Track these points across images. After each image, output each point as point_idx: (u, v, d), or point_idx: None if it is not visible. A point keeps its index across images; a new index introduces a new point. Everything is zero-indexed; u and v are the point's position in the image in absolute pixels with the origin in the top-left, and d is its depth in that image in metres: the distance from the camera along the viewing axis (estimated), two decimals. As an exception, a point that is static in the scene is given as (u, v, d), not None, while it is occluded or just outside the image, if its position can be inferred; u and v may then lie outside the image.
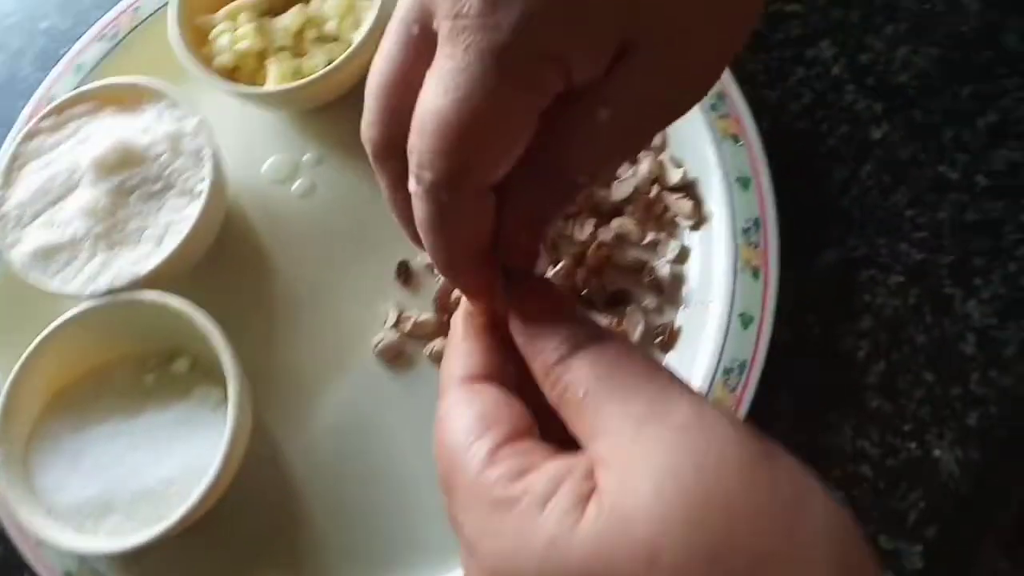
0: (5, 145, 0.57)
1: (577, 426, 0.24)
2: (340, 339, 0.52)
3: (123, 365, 0.51)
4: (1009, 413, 0.46)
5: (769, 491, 0.21)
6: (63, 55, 0.61)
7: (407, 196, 0.26)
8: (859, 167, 0.51)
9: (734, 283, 0.47)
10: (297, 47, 0.55)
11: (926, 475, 0.46)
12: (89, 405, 0.50)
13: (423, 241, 0.27)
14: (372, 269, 0.53)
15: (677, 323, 0.49)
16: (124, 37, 0.58)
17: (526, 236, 0.27)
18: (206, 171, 0.50)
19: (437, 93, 0.24)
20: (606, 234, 0.50)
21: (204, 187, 0.49)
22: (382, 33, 0.53)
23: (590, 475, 0.22)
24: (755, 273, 0.47)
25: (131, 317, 0.49)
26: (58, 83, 0.58)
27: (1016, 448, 0.46)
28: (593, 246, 0.49)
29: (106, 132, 0.51)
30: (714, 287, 0.48)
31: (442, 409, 0.26)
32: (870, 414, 0.47)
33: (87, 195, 0.50)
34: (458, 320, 0.28)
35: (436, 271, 0.50)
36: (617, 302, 0.49)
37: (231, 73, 0.54)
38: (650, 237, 0.50)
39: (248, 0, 0.55)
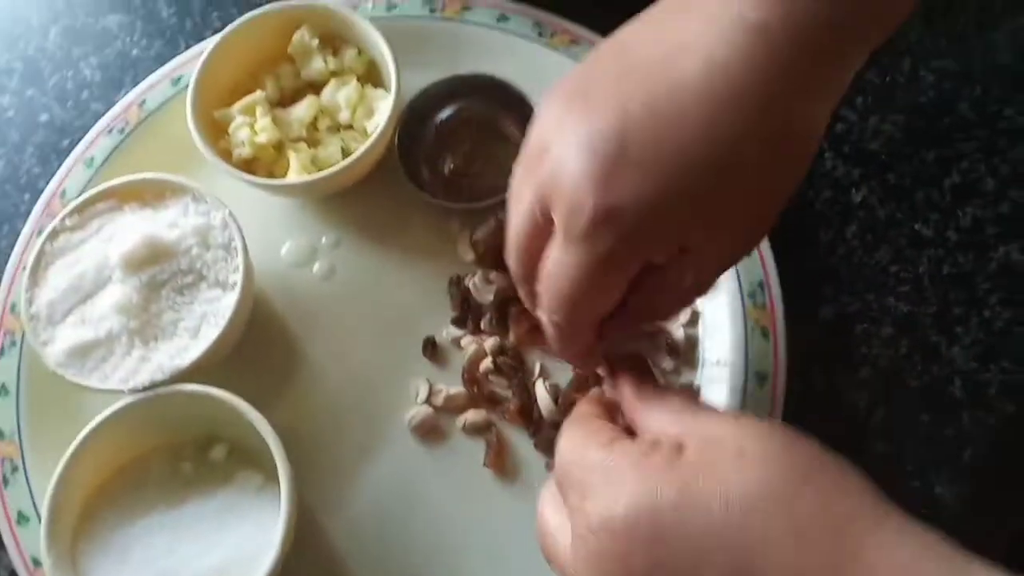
0: (22, 243, 0.57)
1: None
2: (373, 417, 0.54)
3: (158, 457, 0.52)
4: (999, 449, 0.51)
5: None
6: (65, 147, 0.62)
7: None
8: (844, 228, 0.56)
9: (746, 344, 0.51)
10: (311, 136, 0.57)
11: (931, 512, 0.50)
12: (130, 500, 0.50)
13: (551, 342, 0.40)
14: (398, 346, 0.55)
15: (695, 383, 0.52)
16: (132, 131, 0.60)
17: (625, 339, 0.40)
18: (238, 262, 0.51)
19: (555, 269, 0.36)
20: (619, 302, 0.54)
21: (238, 278, 0.51)
22: (396, 125, 0.56)
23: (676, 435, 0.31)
24: (764, 333, 0.51)
25: (169, 409, 0.50)
26: (69, 178, 0.59)
27: (1006, 481, 0.51)
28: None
29: (131, 228, 0.52)
30: (726, 347, 0.52)
31: (565, 430, 0.35)
32: (876, 457, 0.51)
33: (118, 291, 0.50)
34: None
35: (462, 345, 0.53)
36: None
37: (249, 164, 0.56)
38: (663, 303, 0.54)
39: (260, 94, 0.57)
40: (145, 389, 0.49)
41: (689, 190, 0.33)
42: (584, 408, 0.37)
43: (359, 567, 0.51)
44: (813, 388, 0.53)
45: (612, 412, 0.36)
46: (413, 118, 0.57)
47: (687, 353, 0.53)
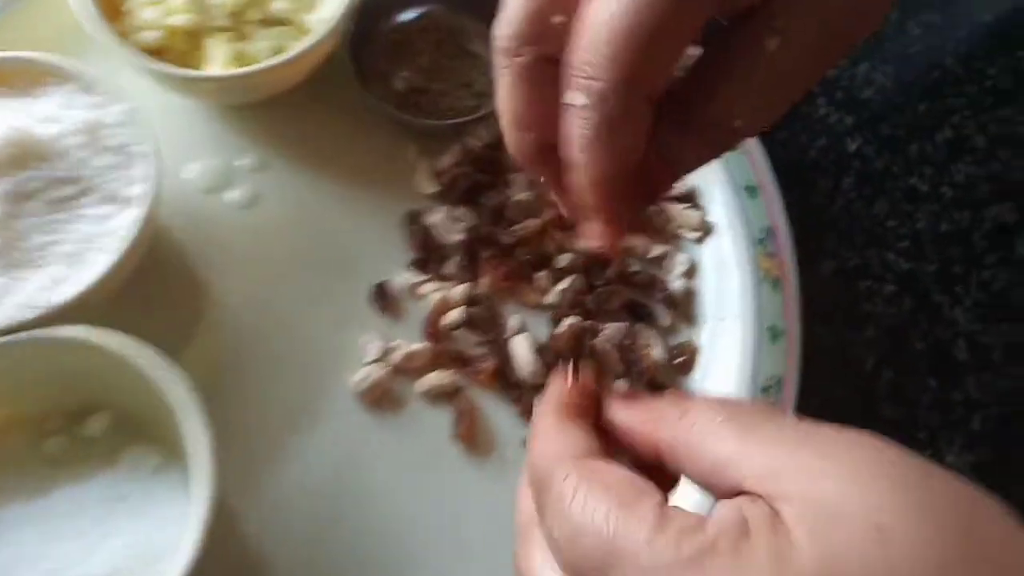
0: None
1: (715, 472, 0.23)
2: (307, 380, 0.43)
3: (14, 431, 0.38)
4: (1009, 414, 0.47)
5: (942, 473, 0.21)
6: None
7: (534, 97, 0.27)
8: (840, 178, 0.51)
9: (758, 296, 0.45)
10: (236, 29, 0.46)
11: (946, 482, 0.46)
12: (-27, 486, 0.37)
13: (575, 158, 0.26)
14: (340, 295, 0.45)
15: (696, 341, 0.45)
16: (-15, 6, 0.46)
17: (668, 179, 0.28)
18: (144, 171, 0.39)
19: (608, 4, 0.24)
20: (606, 247, 0.46)
21: (143, 191, 0.39)
22: (347, 21, 0.45)
23: (760, 501, 0.21)
24: (775, 284, 0.45)
25: (33, 364, 0.37)
26: None
27: (1016, 449, 0.47)
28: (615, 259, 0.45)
29: (-11, 120, 0.39)
30: (729, 301, 0.45)
31: (566, 489, 0.23)
32: (886, 423, 0.46)
33: (-34, 201, 0.37)
34: (547, 409, 0.27)
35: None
36: (633, 312, 0.45)
37: (153, 55, 0.44)
38: (657, 251, 0.46)
39: (169, -31, 0.45)
40: (4, 332, 0.36)
41: None
42: (569, 428, 0.26)
43: (287, 568, 0.40)
44: (819, 346, 0.47)
45: (596, 411, 0.27)
46: (364, 18, 0.47)
47: (685, 307, 0.46)
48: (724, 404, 0.24)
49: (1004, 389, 0.48)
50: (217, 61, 0.43)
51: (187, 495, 0.37)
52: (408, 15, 0.49)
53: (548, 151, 0.28)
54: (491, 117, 0.47)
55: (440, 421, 0.43)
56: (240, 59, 0.44)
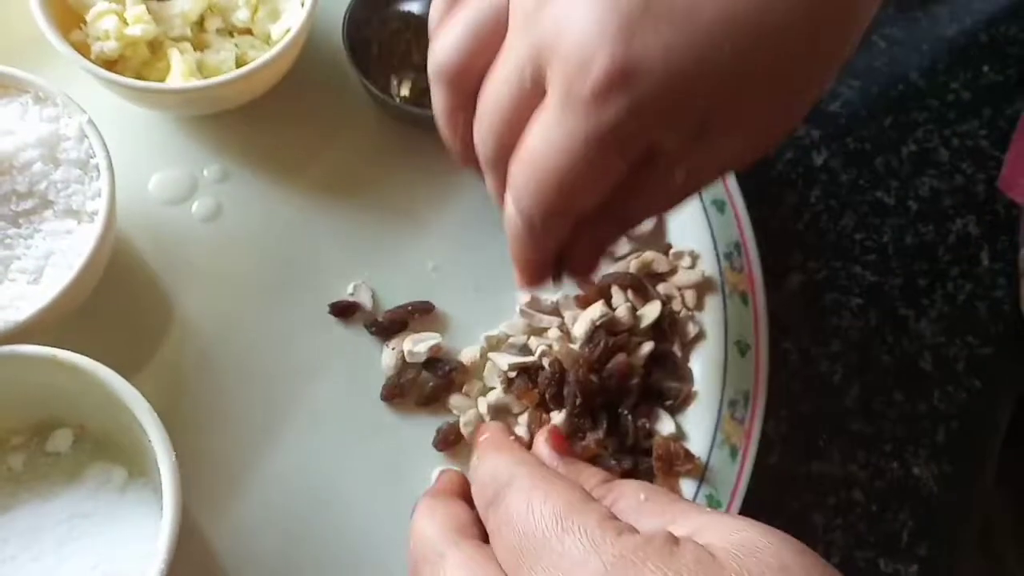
0: None
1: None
2: (274, 394, 0.42)
3: (-27, 448, 0.38)
4: (971, 426, 0.48)
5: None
6: None
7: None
8: (808, 192, 0.52)
9: (725, 310, 0.45)
10: (196, 39, 0.45)
11: (911, 493, 0.46)
12: (-72, 507, 0.36)
13: (511, 246, 0.32)
14: (307, 306, 0.44)
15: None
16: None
17: (593, 256, 0.35)
18: (101, 185, 0.38)
19: (542, 144, 0.28)
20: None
21: (100, 206, 0.38)
22: (310, 32, 0.44)
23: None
24: (744, 298, 0.45)
25: (-6, 381, 0.36)
26: None
27: (978, 461, 0.48)
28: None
29: (-59, 132, 0.38)
30: (701, 316, 0.45)
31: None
32: (854, 437, 0.47)
33: (-82, 216, 0.36)
34: (431, 490, 0.33)
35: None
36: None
37: (112, 66, 0.43)
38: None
39: (129, -22, 0.44)
40: (-42, 350, 0.35)
41: (725, 55, 0.26)
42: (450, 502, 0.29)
43: (257, 587, 0.39)
44: (785, 361, 0.48)
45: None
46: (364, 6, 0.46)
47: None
48: (637, 486, 0.28)
49: (965, 401, 0.48)
50: (177, 72, 0.42)
51: (153, 512, 0.36)
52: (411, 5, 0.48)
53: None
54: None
55: (421, 432, 0.42)
56: (201, 69, 0.43)
